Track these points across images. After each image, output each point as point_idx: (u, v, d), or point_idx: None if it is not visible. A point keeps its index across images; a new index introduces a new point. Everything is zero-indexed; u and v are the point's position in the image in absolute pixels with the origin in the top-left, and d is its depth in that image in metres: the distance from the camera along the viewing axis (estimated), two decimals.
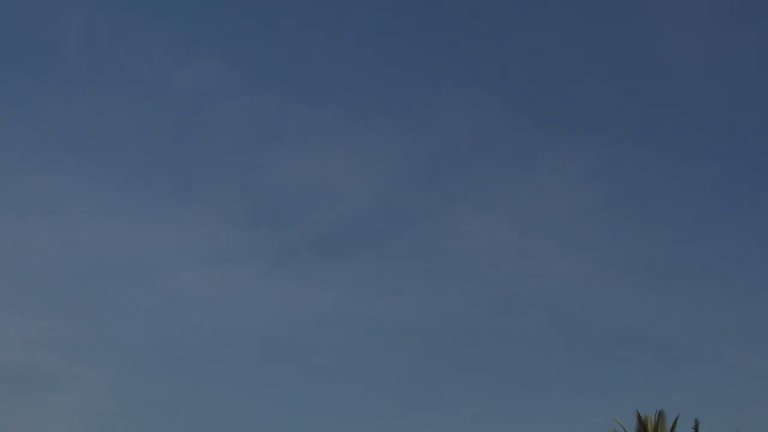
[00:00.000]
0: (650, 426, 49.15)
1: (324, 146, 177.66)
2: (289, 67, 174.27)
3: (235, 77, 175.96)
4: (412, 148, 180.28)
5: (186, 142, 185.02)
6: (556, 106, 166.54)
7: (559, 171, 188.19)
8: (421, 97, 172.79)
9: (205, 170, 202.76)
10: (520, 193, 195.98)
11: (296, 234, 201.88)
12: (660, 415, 49.67)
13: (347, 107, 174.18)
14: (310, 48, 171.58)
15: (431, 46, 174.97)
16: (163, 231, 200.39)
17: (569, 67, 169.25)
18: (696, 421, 35.66)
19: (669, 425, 49.37)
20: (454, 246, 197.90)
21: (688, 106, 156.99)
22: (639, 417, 50.03)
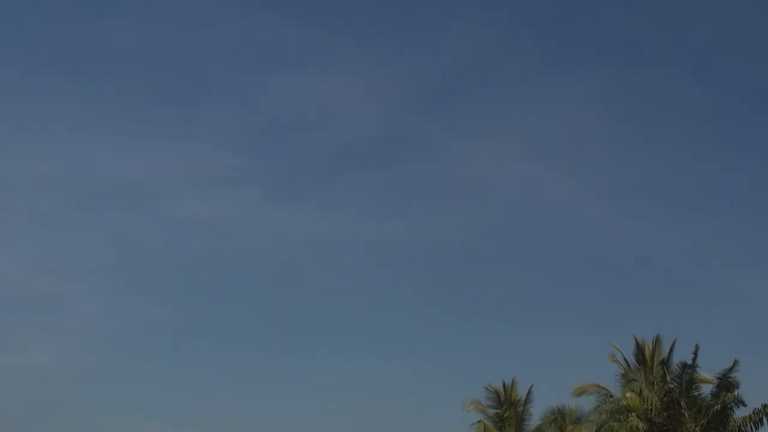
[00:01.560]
0: (648, 350, 49.18)
1: (324, 70, 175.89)
2: None
3: (235, 0, 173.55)
4: (414, 72, 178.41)
5: (185, 67, 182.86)
6: (560, 32, 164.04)
7: (562, 97, 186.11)
8: (424, 21, 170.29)
9: (205, 95, 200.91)
10: (522, 118, 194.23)
11: (296, 159, 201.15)
12: (657, 340, 49.69)
13: (348, 31, 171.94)
14: None
15: None
16: (162, 156, 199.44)
17: None
18: (696, 346, 35.49)
19: (667, 349, 49.43)
20: (455, 170, 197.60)
21: (692, 30, 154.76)
22: (636, 341, 50.06)
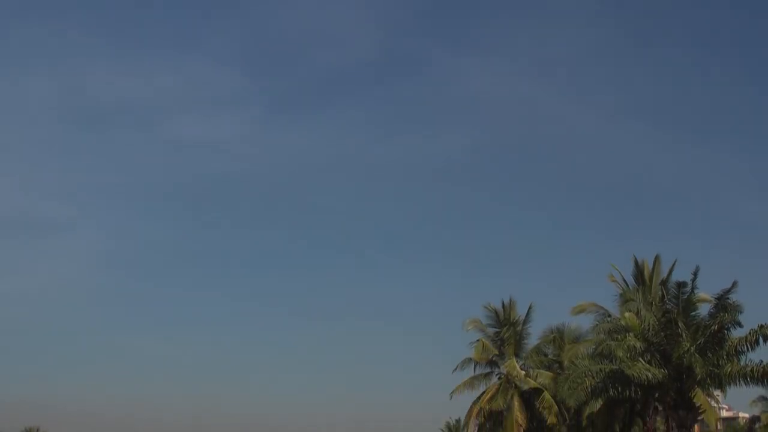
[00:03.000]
0: (647, 271, 49.28)
1: None
2: None
3: None
4: None
5: None
6: None
7: (564, 15, 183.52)
8: None
9: (204, 15, 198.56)
10: (523, 37, 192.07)
11: (296, 79, 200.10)
12: (657, 260, 49.78)
13: None
14: None
15: None
16: (161, 77, 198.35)
17: None
18: (696, 267, 35.42)
19: (666, 270, 49.50)
20: (455, 91, 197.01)
21: None
22: (636, 261, 50.13)
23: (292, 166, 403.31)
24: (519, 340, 59.47)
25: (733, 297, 35.22)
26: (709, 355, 35.63)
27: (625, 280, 50.30)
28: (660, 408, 44.38)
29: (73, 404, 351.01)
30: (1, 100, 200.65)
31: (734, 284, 34.93)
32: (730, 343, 35.49)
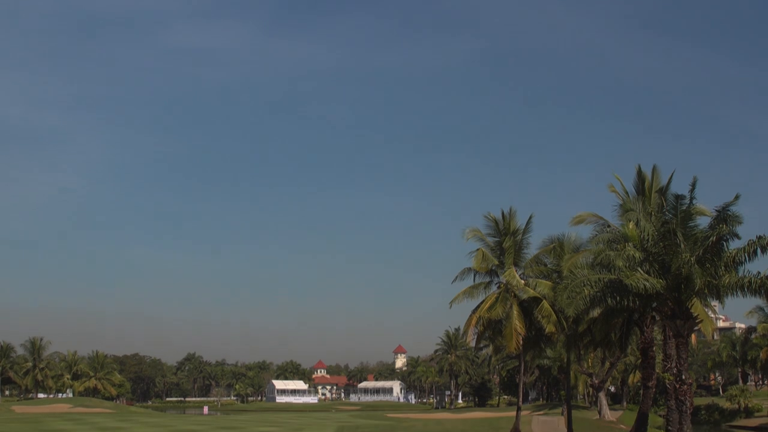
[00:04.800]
0: (647, 181, 49.23)
1: None
2: None
3: None
4: None
5: None
6: None
7: None
8: None
9: None
10: None
11: None
12: (655, 170, 49.75)
13: None
14: None
15: None
16: None
17: None
18: (694, 177, 35.28)
19: (665, 180, 49.44)
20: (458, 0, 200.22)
21: None
22: (639, 171, 50.04)
23: (291, 74, 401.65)
24: (518, 249, 59.80)
25: (735, 209, 35.16)
26: (708, 266, 35.70)
27: (626, 191, 50.24)
28: (657, 318, 44.83)
29: (75, 315, 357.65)
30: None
31: (736, 197, 34.83)
32: (728, 255, 35.55)
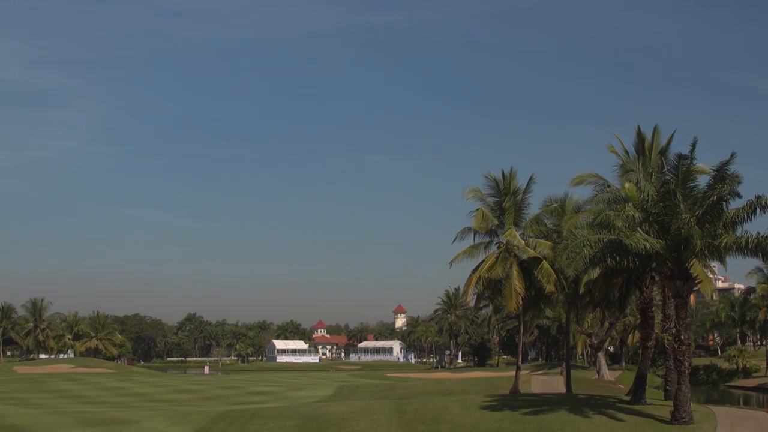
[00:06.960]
0: (647, 141, 49.01)
1: None
2: None
3: None
4: None
5: None
6: None
7: None
8: None
9: None
10: None
11: None
12: (656, 130, 49.49)
13: None
14: None
15: None
16: None
17: None
18: (694, 138, 35.09)
19: (665, 140, 49.23)
20: None
21: None
22: (639, 131, 49.80)
23: (291, 35, 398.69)
24: (519, 209, 59.72)
25: (733, 168, 34.99)
26: (707, 226, 35.62)
27: (626, 151, 50.00)
28: (657, 278, 44.83)
29: (75, 276, 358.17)
30: None
31: (732, 155, 34.60)
32: (728, 215, 35.45)
